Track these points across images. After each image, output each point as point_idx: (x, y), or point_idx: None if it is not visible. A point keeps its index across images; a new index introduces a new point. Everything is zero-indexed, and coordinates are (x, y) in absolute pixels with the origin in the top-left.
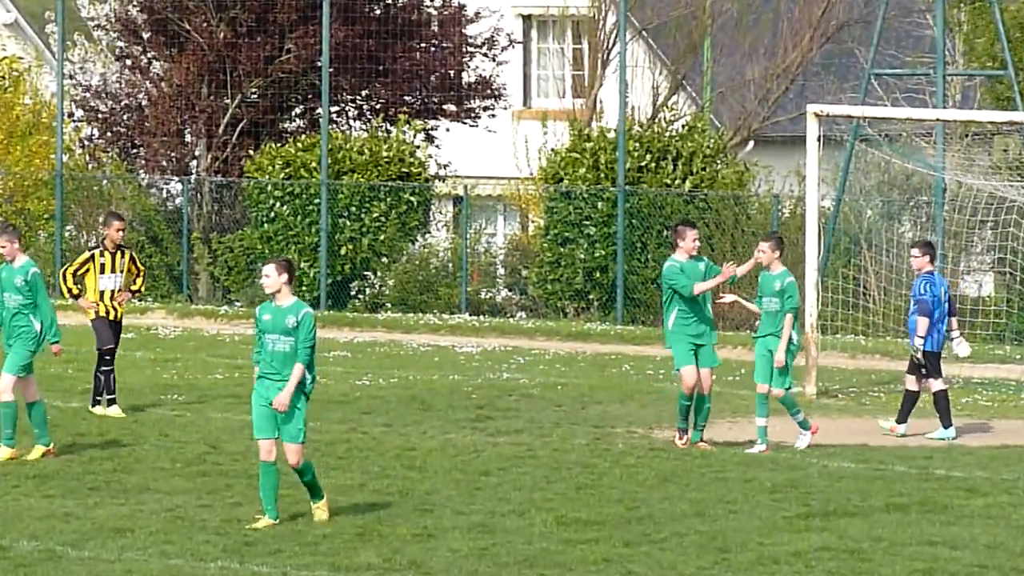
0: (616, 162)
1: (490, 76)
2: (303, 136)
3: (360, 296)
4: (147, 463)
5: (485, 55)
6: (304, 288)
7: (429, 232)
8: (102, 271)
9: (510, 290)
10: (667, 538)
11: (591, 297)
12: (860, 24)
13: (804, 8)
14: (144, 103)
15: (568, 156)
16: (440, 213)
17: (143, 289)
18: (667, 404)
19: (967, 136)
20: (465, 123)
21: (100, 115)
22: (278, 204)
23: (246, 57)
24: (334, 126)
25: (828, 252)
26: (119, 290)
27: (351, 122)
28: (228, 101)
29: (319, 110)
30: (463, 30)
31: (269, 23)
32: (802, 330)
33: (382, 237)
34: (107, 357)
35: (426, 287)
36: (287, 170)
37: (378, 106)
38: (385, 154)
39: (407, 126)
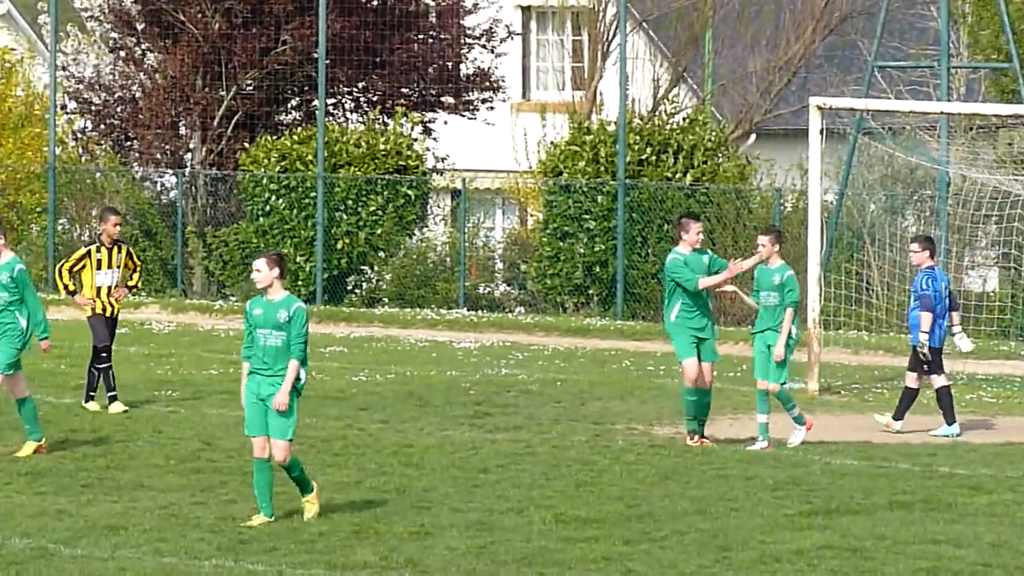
0: (616, 155)
1: (489, 68)
2: (299, 129)
3: (357, 291)
4: (141, 460)
5: (484, 47)
6: (300, 282)
7: (427, 226)
8: (99, 267)
9: (509, 285)
10: (667, 536)
11: (591, 292)
12: (863, 16)
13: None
14: (138, 95)
15: (567, 149)
16: (438, 207)
17: (140, 285)
18: (668, 400)
19: (971, 129)
20: (463, 116)
21: (93, 107)
22: (274, 197)
23: (241, 48)
24: (330, 118)
25: (831, 247)
26: (116, 286)
27: (348, 114)
28: (223, 93)
29: (315, 102)
30: (461, 21)
31: (265, 14)
32: (804, 325)
33: (379, 231)
34: (103, 355)
35: (423, 282)
36: (283, 163)
37: (375, 98)
38: (382, 147)
39: (404, 118)
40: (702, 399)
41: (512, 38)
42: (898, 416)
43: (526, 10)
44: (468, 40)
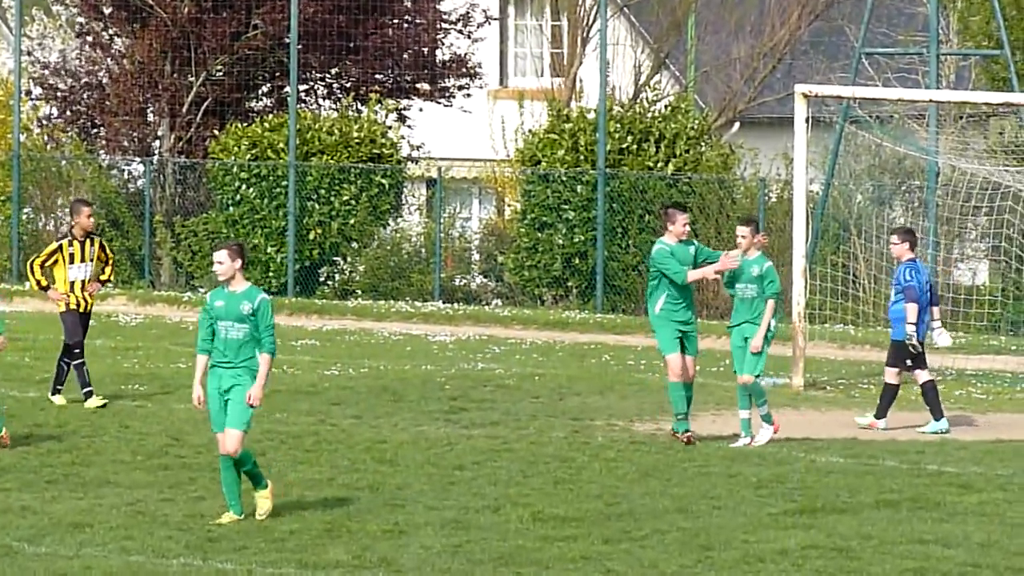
0: (596, 144)
1: (465, 54)
2: (270, 116)
3: (329, 282)
4: (107, 455)
5: (460, 32)
6: (271, 273)
7: (401, 216)
8: (71, 261)
9: (485, 277)
10: (648, 535)
11: (570, 284)
12: (850, 1)
13: None
14: (105, 81)
15: (546, 137)
16: (413, 196)
17: (112, 278)
18: (648, 395)
19: (961, 118)
20: (439, 103)
21: (59, 93)
22: (244, 186)
23: (211, 33)
24: (302, 105)
25: (816, 238)
26: (89, 280)
27: (320, 101)
28: (192, 79)
29: (287, 88)
30: (437, 5)
31: None
32: (789, 319)
33: (352, 221)
34: (76, 351)
35: (398, 273)
36: (253, 151)
37: (348, 85)
38: (356, 135)
39: (379, 105)
40: (685, 393)
41: (489, 23)
42: (880, 414)
43: None
44: (444, 25)
